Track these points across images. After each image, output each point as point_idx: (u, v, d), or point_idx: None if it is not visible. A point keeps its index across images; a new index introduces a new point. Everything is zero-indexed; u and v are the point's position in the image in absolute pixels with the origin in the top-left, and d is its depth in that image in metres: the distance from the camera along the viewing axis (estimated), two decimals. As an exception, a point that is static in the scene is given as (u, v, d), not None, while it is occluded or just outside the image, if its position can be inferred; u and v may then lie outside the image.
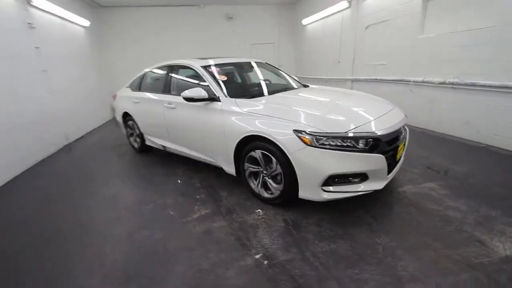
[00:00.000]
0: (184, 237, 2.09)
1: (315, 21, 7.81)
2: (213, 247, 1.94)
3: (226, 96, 2.66)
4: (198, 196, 2.73)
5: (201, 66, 3.02)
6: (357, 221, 2.13)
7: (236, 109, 2.50)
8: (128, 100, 4.06)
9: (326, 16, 7.21)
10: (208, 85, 2.82)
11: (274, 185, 2.34)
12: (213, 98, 2.68)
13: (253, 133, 2.28)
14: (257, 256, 1.81)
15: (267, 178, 2.39)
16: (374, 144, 2.02)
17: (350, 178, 2.05)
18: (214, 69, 3.03)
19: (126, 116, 4.22)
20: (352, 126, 2.03)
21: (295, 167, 2.08)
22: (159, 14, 8.26)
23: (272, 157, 2.23)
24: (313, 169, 2.02)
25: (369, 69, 5.76)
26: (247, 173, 2.54)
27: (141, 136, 4.03)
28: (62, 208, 2.73)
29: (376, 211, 2.25)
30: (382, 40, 5.34)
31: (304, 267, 1.69)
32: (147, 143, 3.99)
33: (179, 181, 3.13)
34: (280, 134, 2.12)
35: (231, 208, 2.46)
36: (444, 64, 4.09)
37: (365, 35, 5.78)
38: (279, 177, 2.29)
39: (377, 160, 2.03)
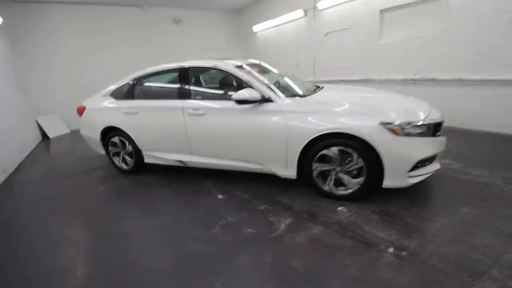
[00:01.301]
0: (298, 252, 1.85)
1: (268, 28, 8.15)
2: (340, 253, 1.80)
3: (280, 96, 2.51)
4: (261, 208, 2.46)
5: (235, 67, 2.76)
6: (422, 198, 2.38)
7: (299, 108, 2.39)
8: (114, 112, 3.29)
9: (280, 24, 7.63)
10: (250, 86, 2.60)
11: (352, 180, 2.34)
12: (265, 99, 2.49)
13: (332, 131, 2.23)
14: (390, 250, 1.78)
15: (341, 174, 2.38)
16: (437, 129, 2.30)
17: (426, 162, 2.27)
18: (248, 69, 2.81)
19: (108, 132, 3.41)
20: (424, 115, 2.25)
21: (383, 158, 2.15)
22: (94, 13, 7.00)
23: (353, 152, 2.24)
24: (403, 157, 2.13)
25: (333, 71, 6.41)
26: (315, 173, 2.45)
27: (136, 153, 3.32)
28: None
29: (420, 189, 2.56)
30: (343, 45, 6.04)
31: (440, 248, 1.76)
32: (148, 160, 3.32)
33: (219, 196, 2.73)
34: (365, 128, 2.15)
35: (311, 212, 2.32)
36: (404, 64, 4.96)
37: (325, 41, 6.41)
38: (355, 172, 2.32)
39: (442, 142, 2.32)
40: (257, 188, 2.83)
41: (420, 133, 2.17)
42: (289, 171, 2.55)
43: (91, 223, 2.50)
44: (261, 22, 8.17)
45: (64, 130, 6.92)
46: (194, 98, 2.88)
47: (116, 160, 3.58)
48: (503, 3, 3.58)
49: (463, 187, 2.53)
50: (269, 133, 2.49)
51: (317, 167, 2.42)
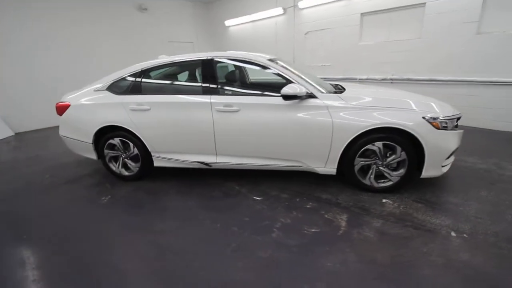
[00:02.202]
0: (373, 246, 1.86)
1: (242, 23, 7.98)
2: (413, 243, 1.87)
3: (322, 92, 2.48)
4: (308, 206, 2.40)
5: (268, 60, 2.62)
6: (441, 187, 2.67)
7: (343, 103, 2.40)
8: (115, 109, 2.80)
9: (257, 20, 7.55)
10: (288, 80, 2.51)
11: (393, 172, 2.47)
12: (309, 95, 2.43)
13: (381, 125, 2.31)
14: (453, 234, 1.93)
15: (382, 168, 2.48)
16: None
17: (454, 152, 2.53)
18: (281, 63, 2.70)
19: (104, 132, 2.89)
20: (452, 110, 2.50)
21: (425, 150, 2.31)
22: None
23: (397, 146, 2.36)
24: (441, 148, 2.34)
25: (312, 69, 6.63)
26: (357, 168, 2.50)
27: (143, 156, 2.89)
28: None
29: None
30: (323, 45, 6.30)
31: (489, 227, 1.98)
32: (159, 164, 2.93)
33: (257, 198, 2.58)
34: (412, 122, 2.28)
35: (359, 206, 2.36)
36: (383, 65, 5.43)
37: (305, 40, 6.59)
38: (394, 165, 2.45)
39: (461, 134, 2.61)
40: (290, 186, 2.76)
41: (451, 126, 2.41)
42: (329, 167, 2.56)
43: (127, 248, 2.09)
44: (235, 17, 7.97)
45: (6, 132, 5.61)
46: (223, 94, 2.64)
47: (114, 165, 3.06)
48: (471, 15, 4.21)
49: (468, 173, 2.91)
50: (313, 130, 2.44)
51: (359, 162, 2.49)
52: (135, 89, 2.83)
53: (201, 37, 8.83)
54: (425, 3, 4.64)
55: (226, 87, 2.67)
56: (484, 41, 4.19)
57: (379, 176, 2.52)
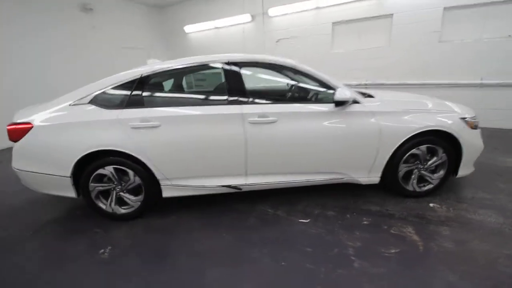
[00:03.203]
0: (466, 258, 1.72)
1: (204, 30, 7.50)
2: (500, 243, 1.81)
3: (363, 97, 2.32)
4: (365, 223, 2.16)
5: (297, 63, 2.33)
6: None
7: (385, 108, 2.27)
8: (108, 127, 2.10)
9: (222, 27, 7.19)
10: (325, 84, 2.28)
11: (434, 175, 2.42)
12: (354, 100, 2.22)
13: (425, 129, 2.24)
14: (520, 232, 1.94)
15: (423, 172, 2.42)
16: None
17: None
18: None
19: (89, 160, 2.15)
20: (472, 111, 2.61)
21: (463, 150, 2.33)
22: None
23: (439, 148, 2.33)
24: (476, 147, 2.40)
25: (286, 77, 6.59)
26: (401, 174, 2.39)
27: (148, 187, 2.24)
28: None
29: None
30: (296, 53, 6.31)
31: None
32: (169, 194, 2.30)
33: (303, 220, 2.22)
34: (453, 124, 2.28)
35: (414, 214, 2.23)
36: (356, 71, 5.70)
37: (277, 47, 6.52)
38: (432, 167, 2.42)
39: None
40: (328, 201, 2.49)
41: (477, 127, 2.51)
42: (373, 176, 2.39)
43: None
44: (196, 22, 7.45)
45: None
46: (253, 102, 2.23)
47: (103, 202, 2.29)
48: (434, 25, 4.73)
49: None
50: (359, 137, 2.24)
51: (403, 168, 2.38)
52: (135, 101, 2.18)
53: (157, 44, 7.99)
54: (392, 14, 5.05)
55: (257, 94, 2.26)
56: (446, 49, 4.74)
57: (420, 180, 2.46)
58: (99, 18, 6.49)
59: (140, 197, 2.29)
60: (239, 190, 2.35)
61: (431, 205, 2.37)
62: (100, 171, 2.18)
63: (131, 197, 2.29)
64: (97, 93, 2.19)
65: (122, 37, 7.06)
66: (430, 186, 2.45)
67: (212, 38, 7.54)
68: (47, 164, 2.16)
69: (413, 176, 2.42)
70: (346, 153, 2.29)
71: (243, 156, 2.21)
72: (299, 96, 2.45)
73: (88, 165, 2.17)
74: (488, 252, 1.77)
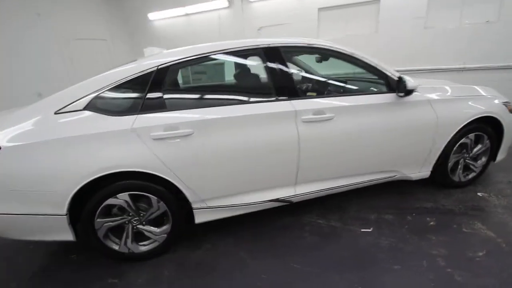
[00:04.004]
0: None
1: (172, 17, 6.65)
2: None
3: (416, 84, 2.08)
4: (432, 223, 1.96)
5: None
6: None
7: (439, 95, 2.08)
8: (120, 141, 1.52)
9: (193, 13, 6.44)
10: (381, 72, 2.00)
11: (477, 163, 2.34)
12: (411, 89, 1.98)
13: (477, 116, 2.10)
14: None
15: (468, 160, 2.32)
16: None
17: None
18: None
19: (93, 189, 1.54)
20: None
21: (505, 135, 2.28)
22: None
23: (485, 135, 2.24)
24: (512, 132, 2.37)
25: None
26: (450, 165, 2.25)
27: (176, 214, 1.72)
28: None
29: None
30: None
31: None
32: (204, 218, 1.80)
33: (364, 230, 1.93)
34: (499, 109, 2.19)
35: (468, 206, 2.11)
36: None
37: (259, 36, 6.07)
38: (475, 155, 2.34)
39: None
40: (378, 203, 2.25)
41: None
42: (424, 171, 2.21)
43: None
44: (163, 9, 6.56)
45: None
46: (305, 97, 1.83)
47: (115, 241, 1.70)
48: (419, 11, 4.78)
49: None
50: (417, 129, 2.02)
51: (453, 158, 2.24)
52: (154, 103, 1.61)
53: (116, 33, 6.87)
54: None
55: (309, 86, 1.88)
56: (430, 35, 4.86)
57: (464, 169, 2.36)
58: (44, 5, 5.26)
59: (166, 228, 1.75)
60: (287, 204, 1.96)
61: (479, 194, 2.29)
62: (110, 201, 1.59)
63: (154, 229, 1.74)
64: (95, 94, 1.56)
65: (75, 27, 5.87)
66: (473, 174, 2.37)
67: (182, 26, 6.74)
68: (28, 201, 1.49)
69: (459, 166, 2.31)
70: (404, 148, 2.05)
71: (295, 161, 1.81)
72: (355, 87, 2.15)
73: (91, 195, 1.56)
74: None
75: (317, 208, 2.22)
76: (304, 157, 1.82)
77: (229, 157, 1.69)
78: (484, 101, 2.18)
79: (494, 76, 4.63)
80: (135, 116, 1.56)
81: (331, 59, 2.16)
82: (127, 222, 1.69)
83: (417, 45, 4.96)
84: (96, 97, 1.56)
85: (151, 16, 6.78)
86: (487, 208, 2.09)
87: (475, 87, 2.32)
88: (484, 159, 2.35)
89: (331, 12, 5.42)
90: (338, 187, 2.04)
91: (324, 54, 2.08)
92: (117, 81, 1.59)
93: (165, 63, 1.65)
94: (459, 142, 2.17)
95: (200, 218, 1.81)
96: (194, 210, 1.77)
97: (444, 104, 2.06)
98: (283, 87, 1.78)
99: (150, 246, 1.77)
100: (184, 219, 1.80)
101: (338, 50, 1.96)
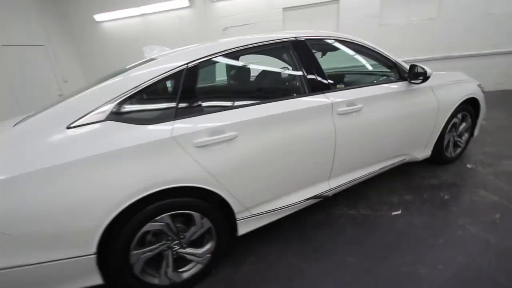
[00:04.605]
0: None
1: (124, 17, 6.03)
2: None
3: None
4: (446, 197, 2.14)
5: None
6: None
7: (440, 81, 2.31)
8: (159, 154, 1.28)
9: (150, 13, 5.93)
10: (392, 62, 2.13)
11: (462, 139, 2.64)
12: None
13: (465, 97, 2.38)
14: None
15: (456, 138, 2.61)
16: None
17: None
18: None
19: (134, 211, 1.27)
20: None
21: (481, 113, 2.64)
22: None
23: (468, 114, 2.55)
24: (484, 110, 2.73)
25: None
26: (445, 143, 2.49)
27: (220, 229, 1.53)
28: None
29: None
30: (246, 41, 5.89)
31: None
32: (247, 229, 1.65)
33: (395, 213, 2.01)
34: (477, 91, 2.52)
35: (469, 177, 2.38)
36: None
37: (225, 36, 5.91)
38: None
39: None
40: (392, 185, 2.38)
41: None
42: (427, 151, 2.42)
43: None
44: (112, 9, 5.91)
45: None
46: (335, 89, 1.81)
47: (154, 274, 1.43)
48: (374, 10, 5.26)
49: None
50: (425, 113, 2.20)
51: (446, 137, 2.49)
52: (190, 106, 1.40)
53: (56, 38, 5.93)
54: (338, -1, 5.34)
55: (337, 78, 1.87)
56: (384, 32, 5.39)
57: (454, 145, 2.66)
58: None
59: (210, 247, 1.55)
60: (324, 199, 1.92)
61: (468, 166, 2.60)
62: (149, 226, 1.33)
63: (197, 250, 1.52)
64: (117, 101, 1.28)
65: (7, 30, 4.87)
66: (460, 149, 2.69)
67: (137, 27, 6.17)
68: (45, 245, 1.15)
69: (450, 144, 2.59)
70: (415, 131, 2.21)
71: (331, 155, 1.79)
72: (374, 77, 2.22)
73: (122, 225, 1.28)
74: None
75: (342, 199, 2.24)
76: (339, 149, 1.81)
77: (272, 158, 1.58)
78: (467, 84, 2.49)
79: (437, 67, 5.37)
80: (171, 122, 1.34)
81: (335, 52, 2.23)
82: (166, 248, 1.44)
83: (373, 40, 5.38)
84: (119, 104, 1.29)
85: (98, 17, 6.07)
86: (481, 177, 2.38)
87: (458, 72, 2.64)
88: (466, 135, 2.68)
89: (295, 12, 5.59)
90: (364, 175, 2.09)
91: (348, 47, 2.12)
92: (141, 84, 1.34)
93: (194, 61, 1.45)
94: (451, 122, 2.44)
95: (243, 229, 1.64)
96: (237, 221, 1.60)
97: (442, 89, 2.28)
98: (318, 80, 1.74)
99: (193, 271, 1.54)
100: (227, 234, 1.61)
101: (362, 43, 2.02)
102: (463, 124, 2.59)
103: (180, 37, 6.10)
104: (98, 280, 1.31)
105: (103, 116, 1.25)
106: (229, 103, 1.56)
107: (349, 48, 2.12)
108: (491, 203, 2.02)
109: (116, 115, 1.28)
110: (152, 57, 1.65)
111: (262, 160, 1.55)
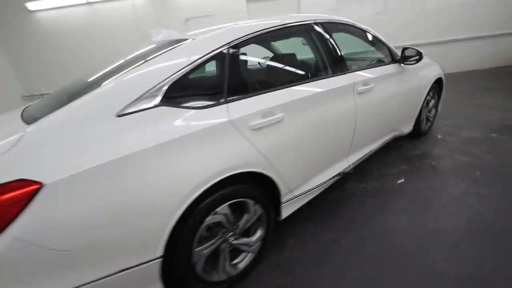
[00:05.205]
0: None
1: (66, 6, 5.20)
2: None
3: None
4: (433, 163, 2.48)
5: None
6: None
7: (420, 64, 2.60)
8: (219, 138, 1.20)
9: (97, 2, 5.24)
10: (386, 45, 2.34)
11: (431, 114, 3.07)
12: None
13: (437, 77, 2.78)
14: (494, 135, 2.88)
15: (428, 113, 3.01)
16: None
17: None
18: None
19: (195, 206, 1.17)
20: None
21: (443, 90, 3.10)
22: None
23: (435, 92, 2.97)
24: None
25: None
26: (422, 117, 2.85)
27: (269, 215, 1.51)
28: None
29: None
30: (211, 33, 5.70)
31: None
32: (287, 212, 1.65)
33: (399, 181, 2.26)
34: (442, 71, 2.94)
35: (445, 145, 2.78)
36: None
37: (187, 27, 5.60)
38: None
39: None
40: (386, 158, 2.64)
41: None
42: (410, 126, 2.75)
43: None
44: (48, -5, 5.05)
45: None
46: (352, 70, 1.91)
47: (211, 272, 1.33)
48: (331, 4, 5.63)
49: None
50: (412, 91, 2.50)
51: (422, 112, 2.86)
52: (237, 88, 1.32)
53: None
54: (299, -7, 5.56)
55: (351, 60, 1.98)
56: (341, 24, 5.82)
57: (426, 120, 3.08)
58: None
59: (261, 234, 1.51)
60: (344, 175, 2.03)
61: (439, 136, 3.05)
62: (210, 219, 1.23)
63: (249, 239, 1.47)
64: (167, 86, 1.14)
65: None
66: (430, 123, 3.12)
67: (83, 17, 5.41)
68: (103, 257, 0.96)
69: (423, 118, 2.99)
70: (406, 108, 2.50)
71: (352, 132, 1.91)
72: (375, 59, 2.38)
73: (185, 220, 1.15)
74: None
75: (350, 176, 2.40)
76: (358, 126, 1.93)
77: (311, 137, 1.61)
78: (435, 66, 2.89)
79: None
80: (224, 106, 1.25)
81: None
82: (222, 241, 1.35)
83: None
84: (169, 89, 1.14)
85: (31, 5, 5.15)
86: (451, 145, 2.82)
87: (425, 56, 3.04)
88: (434, 110, 3.13)
89: (259, 5, 5.63)
90: (371, 150, 2.27)
91: (353, 32, 2.26)
92: (188, 66, 1.21)
93: (234, 41, 1.37)
94: (426, 99, 2.82)
95: (286, 211, 1.65)
96: (282, 205, 1.59)
97: (421, 70, 2.61)
98: (340, 62, 1.83)
99: (246, 261, 1.48)
100: (274, 218, 1.59)
101: (364, 28, 2.19)
102: (432, 101, 3.01)
103: (135, 28, 5.57)
104: (159, 288, 1.16)
105: (154, 102, 1.10)
106: (271, 85, 1.52)
107: (354, 32, 2.25)
108: (468, 164, 2.42)
109: (168, 100, 1.13)
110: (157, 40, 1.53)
111: (303, 140, 1.57)
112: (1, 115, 1.57)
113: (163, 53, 1.28)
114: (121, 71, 1.23)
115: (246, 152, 1.28)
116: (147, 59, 1.26)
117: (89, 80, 1.46)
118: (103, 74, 1.44)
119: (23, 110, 1.41)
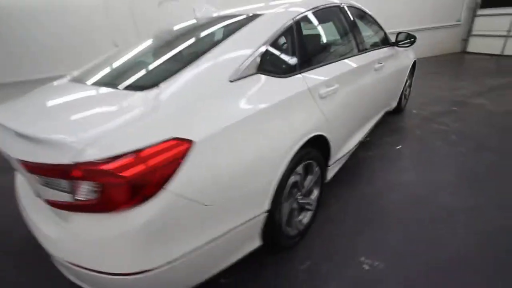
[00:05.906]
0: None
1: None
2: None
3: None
4: (418, 133, 2.96)
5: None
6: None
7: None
8: (304, 105, 1.36)
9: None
10: (382, 30, 2.67)
11: (407, 92, 3.59)
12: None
13: (415, 59, 3.26)
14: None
15: (405, 92, 3.51)
16: None
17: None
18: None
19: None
20: None
21: (415, 71, 3.65)
22: None
23: (411, 73, 3.48)
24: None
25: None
26: (403, 95, 3.34)
27: (323, 175, 1.72)
28: None
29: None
30: (187, 16, 5.50)
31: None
32: (330, 175, 1.87)
33: (398, 147, 2.67)
34: (415, 55, 3.46)
35: (422, 118, 3.32)
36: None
37: (161, 11, 5.30)
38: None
39: None
40: (377, 131, 2.96)
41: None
42: (396, 102, 3.20)
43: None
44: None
45: None
46: (370, 49, 2.19)
47: (289, 227, 1.47)
48: None
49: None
50: (402, 70, 2.92)
51: (404, 90, 3.35)
52: (305, 59, 1.47)
53: None
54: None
55: (365, 41, 2.21)
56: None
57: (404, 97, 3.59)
58: None
59: (317, 194, 1.70)
60: (366, 140, 2.34)
61: (414, 111, 3.60)
62: (293, 178, 1.37)
63: (311, 198, 1.65)
64: (259, 53, 1.23)
65: None
66: (406, 100, 3.66)
67: (37, 1, 4.71)
68: (226, 213, 1.04)
69: (403, 96, 3.49)
70: (398, 85, 2.92)
71: (370, 103, 2.21)
72: (378, 42, 2.64)
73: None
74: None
75: (361, 145, 2.72)
76: (373, 98, 2.25)
77: (350, 106, 1.85)
78: (411, 50, 3.38)
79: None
80: (300, 75, 1.38)
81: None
82: (295, 198, 1.51)
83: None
84: (261, 58, 1.23)
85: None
86: (426, 117, 3.37)
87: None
88: (409, 89, 3.67)
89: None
90: (377, 121, 2.63)
91: (363, 17, 2.48)
92: (272, 35, 1.31)
93: (298, 15, 1.50)
94: (406, 78, 3.31)
95: (329, 174, 1.86)
96: (328, 167, 1.80)
97: (405, 52, 3.04)
98: (363, 41, 2.09)
99: (307, 218, 1.66)
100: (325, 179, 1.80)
101: (369, 14, 2.45)
102: (408, 81, 3.53)
103: (103, 13, 5.09)
104: (257, 243, 1.28)
105: (253, 69, 1.19)
106: (327, 58, 1.70)
107: (364, 17, 2.53)
108: (444, 131, 2.96)
109: (261, 68, 1.23)
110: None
111: (345, 107, 1.79)
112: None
113: (248, 24, 1.33)
114: (200, 41, 1.29)
115: (317, 116, 1.44)
116: (234, 31, 1.28)
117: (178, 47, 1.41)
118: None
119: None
